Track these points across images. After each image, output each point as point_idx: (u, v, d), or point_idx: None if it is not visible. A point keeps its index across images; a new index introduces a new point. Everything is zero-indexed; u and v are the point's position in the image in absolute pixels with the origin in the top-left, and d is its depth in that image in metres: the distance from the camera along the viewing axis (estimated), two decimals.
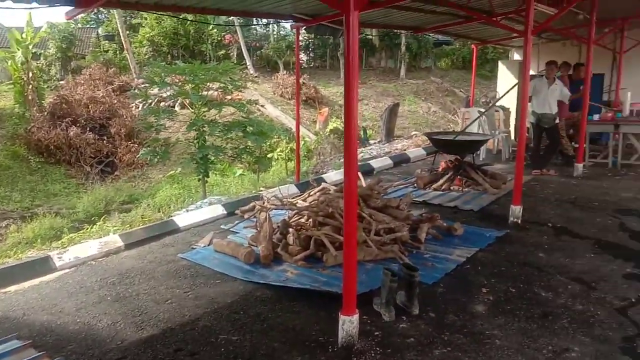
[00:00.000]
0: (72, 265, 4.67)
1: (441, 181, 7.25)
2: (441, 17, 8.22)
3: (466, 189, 7.11)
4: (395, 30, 22.34)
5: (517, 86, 9.97)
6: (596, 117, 8.82)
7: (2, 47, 19.67)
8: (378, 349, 3.09)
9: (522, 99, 6.11)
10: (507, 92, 9.34)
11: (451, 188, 7.16)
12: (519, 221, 5.58)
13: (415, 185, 7.37)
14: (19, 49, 16.36)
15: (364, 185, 5.91)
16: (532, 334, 3.22)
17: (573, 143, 8.83)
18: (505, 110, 10.54)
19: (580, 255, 4.59)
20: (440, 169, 7.76)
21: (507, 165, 8.80)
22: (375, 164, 9.30)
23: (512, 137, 10.39)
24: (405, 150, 10.89)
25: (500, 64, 12.52)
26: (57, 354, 3.11)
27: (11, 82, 17.47)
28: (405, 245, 4.76)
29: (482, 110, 9.67)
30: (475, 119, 9.20)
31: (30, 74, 16.51)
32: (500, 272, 4.26)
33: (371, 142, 13.19)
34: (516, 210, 5.60)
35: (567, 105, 8.52)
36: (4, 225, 10.32)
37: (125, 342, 3.25)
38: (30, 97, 16.31)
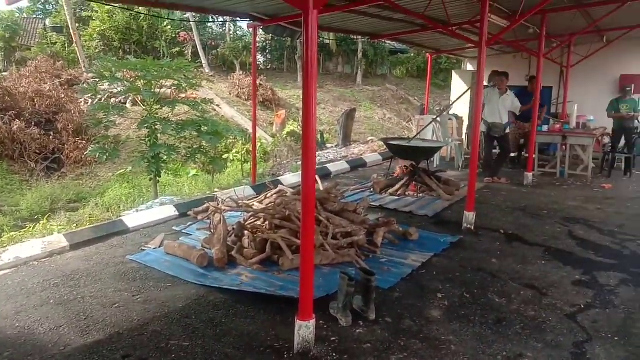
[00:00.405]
0: (12, 265, 4.39)
1: (397, 186, 7.33)
2: (398, 24, 8.35)
3: (421, 195, 7.22)
4: (352, 36, 22.61)
5: (469, 94, 10.27)
6: (545, 128, 9.20)
7: None
8: (334, 354, 3.05)
9: (475, 108, 6.28)
10: (459, 97, 9.61)
11: (407, 193, 7.25)
12: (472, 227, 5.71)
13: (372, 189, 7.43)
14: None
15: (321, 188, 5.89)
16: (487, 339, 3.26)
17: (524, 152, 9.18)
18: (459, 119, 10.83)
19: (531, 262, 4.73)
20: (396, 174, 7.85)
21: (460, 173, 9.03)
22: (332, 167, 9.32)
23: (465, 145, 10.68)
24: (361, 155, 10.98)
25: (454, 73, 12.87)
26: None
27: None
28: (362, 249, 4.77)
29: (436, 117, 9.88)
30: (429, 124, 9.40)
31: None
32: (455, 277, 4.32)
33: (328, 146, 13.22)
34: (469, 217, 5.72)
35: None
36: None
37: (68, 348, 3.07)
38: None
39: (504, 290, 4.06)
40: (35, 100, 15.13)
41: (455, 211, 6.48)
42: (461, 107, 11.07)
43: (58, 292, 3.90)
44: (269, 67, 27.47)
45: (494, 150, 8.84)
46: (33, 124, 14.29)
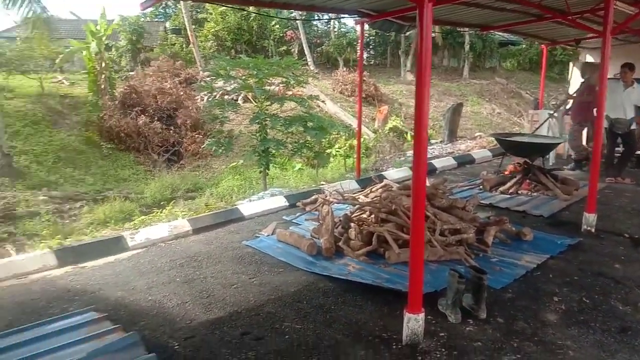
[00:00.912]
0: (144, 245, 4.90)
1: (509, 184, 7.01)
2: (510, 14, 7.90)
3: (535, 194, 6.84)
4: (459, 28, 21.81)
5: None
6: None
7: (79, 38, 20.81)
8: (443, 350, 3.03)
9: (597, 103, 5.79)
10: (577, 90, 8.88)
11: (519, 192, 6.91)
12: (593, 230, 5.31)
13: (481, 187, 7.17)
14: (93, 40, 17.28)
15: (428, 184, 5.81)
16: (609, 348, 3.05)
17: None
18: None
19: None
20: (507, 172, 7.50)
21: (578, 172, 8.39)
22: (437, 163, 9.13)
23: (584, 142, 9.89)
24: (469, 151, 10.62)
25: (571, 65, 11.94)
26: (131, 327, 3.26)
27: (86, 71, 18.50)
28: (471, 247, 4.64)
29: (552, 113, 9.27)
30: (545, 120, 8.82)
31: (103, 64, 17.38)
32: (573, 281, 4.06)
33: (432, 141, 12.94)
34: (590, 218, 5.33)
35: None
36: (77, 206, 10.94)
37: (194, 322, 3.36)
38: (102, 86, 17.19)
39: (629, 298, 3.74)
40: (158, 97, 16.54)
41: (574, 212, 6.05)
42: None
43: (183, 271, 4.27)
44: (372, 62, 27.45)
45: (617, 148, 8.10)
46: (156, 119, 15.66)
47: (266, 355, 2.96)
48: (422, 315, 3.07)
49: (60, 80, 19.63)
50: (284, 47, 24.66)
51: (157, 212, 6.36)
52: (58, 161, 13.29)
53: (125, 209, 9.35)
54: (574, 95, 8.78)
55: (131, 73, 20.85)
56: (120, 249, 4.78)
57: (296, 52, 24.58)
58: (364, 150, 12.73)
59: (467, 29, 20.40)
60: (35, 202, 10.56)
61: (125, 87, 17.15)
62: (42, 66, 18.67)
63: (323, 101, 18.16)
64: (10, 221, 9.55)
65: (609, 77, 7.12)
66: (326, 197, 5.68)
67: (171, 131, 15.46)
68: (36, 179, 12.06)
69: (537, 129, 8.55)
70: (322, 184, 7.62)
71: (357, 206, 5.29)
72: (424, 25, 2.83)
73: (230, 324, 3.33)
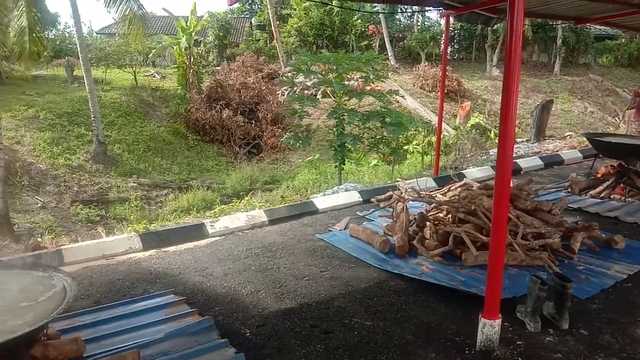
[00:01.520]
0: (222, 233, 5.10)
1: (600, 188, 6.51)
2: (609, 6, 7.28)
3: (630, 199, 6.30)
4: (551, 21, 20.57)
5: None
6: None
7: (170, 34, 22.06)
8: (520, 359, 2.89)
9: None
10: None
11: (611, 197, 6.40)
12: None
13: (569, 190, 6.72)
14: (183, 36, 18.22)
15: (512, 184, 5.54)
16: None
17: None
18: None
19: None
20: (599, 175, 6.98)
21: None
22: (523, 163, 8.67)
23: None
24: (557, 151, 9.99)
25: None
26: (206, 312, 3.40)
27: (175, 66, 19.57)
28: (555, 253, 4.37)
29: None
30: None
31: (192, 59, 18.29)
32: None
33: (517, 140, 12.30)
34: None
35: None
36: (163, 193, 11.65)
37: (265, 311, 3.45)
38: (190, 80, 18.11)
39: None
40: (241, 91, 17.16)
41: None
42: None
43: (258, 260, 4.40)
44: (455, 57, 26.65)
45: None
46: (239, 112, 16.27)
47: (335, 350, 2.97)
48: (498, 322, 2.94)
49: (152, 74, 20.93)
50: (365, 42, 24.58)
51: (236, 202, 6.60)
52: (147, 150, 14.20)
53: (208, 198, 9.83)
54: None
55: (217, 68, 21.77)
56: (200, 236, 5.01)
57: (377, 46, 24.42)
58: (443, 148, 12.39)
59: (560, 22, 19.20)
60: (125, 189, 11.38)
61: (212, 82, 17.96)
62: (137, 60, 20.02)
63: (402, 96, 17.94)
64: (102, 205, 10.38)
65: None
66: (401, 194, 5.59)
67: (252, 124, 15.99)
68: (127, 167, 12.96)
69: None
70: (398, 181, 7.51)
71: (433, 205, 5.16)
72: (514, 17, 2.68)
73: (300, 315, 3.38)
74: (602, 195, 6.44)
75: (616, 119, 17.81)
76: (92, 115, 13.23)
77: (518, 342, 3.06)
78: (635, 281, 3.96)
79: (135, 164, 13.34)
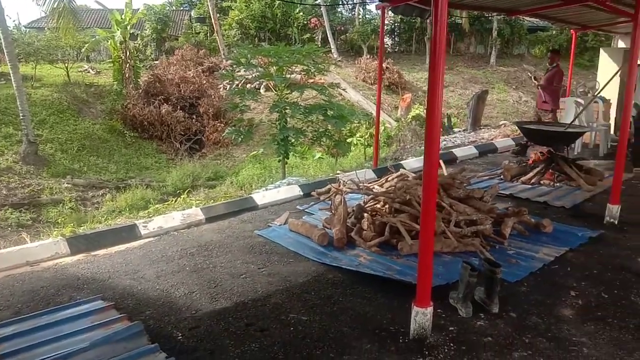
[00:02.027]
0: (156, 234, 4.92)
1: (530, 174, 6.80)
2: None
3: (558, 184, 6.62)
4: (487, 14, 21.28)
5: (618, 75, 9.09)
6: None
7: (105, 27, 21.15)
8: (452, 344, 2.94)
9: (626, 90, 5.53)
10: (609, 81, 8.52)
11: (541, 182, 6.70)
12: (616, 222, 5.10)
13: (501, 177, 6.98)
14: (118, 30, 17.48)
15: (445, 173, 5.68)
16: (627, 346, 2.91)
17: None
18: (606, 102, 9.68)
19: None
20: (530, 161, 7.29)
21: (605, 162, 8.09)
22: (459, 152, 8.93)
23: (612, 131, 9.54)
24: (492, 139, 10.36)
25: (602, 51, 11.50)
26: (136, 317, 3.26)
27: (111, 60, 18.77)
28: (487, 239, 4.51)
29: (580, 100, 8.94)
30: (579, 113, 8.48)
31: (128, 53, 17.59)
32: (592, 275, 3.90)
33: (455, 130, 12.69)
34: (613, 210, 5.12)
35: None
36: (100, 193, 11.18)
37: (199, 312, 3.35)
38: (127, 75, 17.43)
39: None
40: (181, 86, 16.70)
41: (598, 203, 5.83)
42: (609, 89, 9.86)
43: (193, 260, 4.27)
44: (396, 49, 27.08)
45: None
46: (179, 107, 15.83)
47: (270, 347, 2.92)
48: (430, 309, 2.98)
49: (86, 70, 19.99)
50: (308, 35, 24.52)
51: (172, 201, 6.40)
52: (82, 149, 13.57)
53: (147, 197, 9.50)
54: (541, 82, 8.64)
55: (155, 62, 21.09)
56: (132, 237, 4.80)
57: (319, 39, 24.43)
58: (385, 139, 12.59)
59: (494, 14, 19.90)
60: (59, 190, 10.82)
61: (150, 76, 17.38)
62: (69, 56, 19.05)
63: (344, 89, 18.06)
64: (34, 208, 9.82)
65: None
66: (339, 186, 5.60)
67: (193, 120, 15.61)
68: (60, 167, 12.33)
69: (576, 116, 8.24)
70: (338, 173, 7.54)
71: (371, 196, 5.20)
72: (439, 9, 2.71)
73: (235, 315, 3.30)
74: (532, 181, 6.73)
75: None
76: (20, 114, 12.47)
77: (450, 328, 3.12)
78: (561, 263, 4.15)
79: (69, 164, 12.71)
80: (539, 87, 8.59)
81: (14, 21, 31.85)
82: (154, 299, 3.55)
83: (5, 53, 12.87)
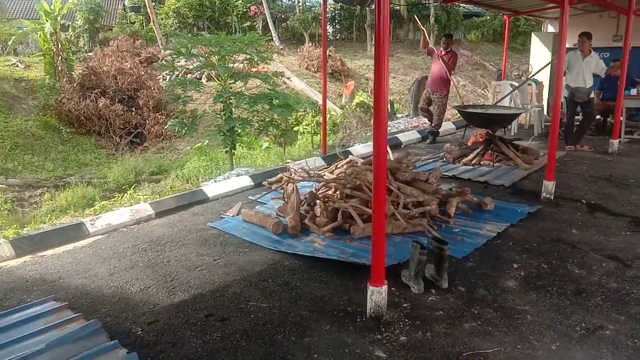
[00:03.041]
0: (105, 231, 4.79)
1: (471, 156, 7.12)
2: None
3: (497, 164, 6.98)
4: (424, 1, 21.81)
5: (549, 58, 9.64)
6: (633, 91, 8.47)
7: (32, 19, 19.92)
8: (407, 320, 3.09)
9: (556, 72, 5.90)
10: (541, 69, 9.03)
11: (481, 163, 7.04)
12: (552, 197, 5.47)
13: (444, 159, 7.27)
14: (47, 21, 16.51)
15: (392, 158, 5.85)
16: (565, 310, 3.17)
17: (609, 119, 8.59)
18: (538, 84, 10.24)
19: (615, 233, 4.48)
20: (470, 144, 7.62)
21: (540, 141, 8.60)
22: (403, 137, 9.20)
23: (545, 111, 10.12)
24: None
25: (533, 36, 12.11)
26: (92, 315, 3.20)
27: (41, 53, 17.73)
28: (434, 219, 4.72)
29: (515, 83, 9.41)
30: (510, 92, 8.94)
31: (59, 46, 16.67)
32: (532, 247, 4.19)
33: (398, 115, 12.99)
34: (549, 186, 5.48)
35: None
36: (38, 193, 10.63)
37: (157, 307, 3.33)
38: (59, 69, 16.52)
39: (585, 262, 3.89)
40: (118, 78, 16.04)
41: (534, 180, 6.22)
42: (542, 72, 10.44)
43: (146, 255, 4.21)
44: (337, 37, 27.19)
45: (576, 117, 8.32)
46: (117, 100, 15.21)
47: (231, 336, 2.96)
48: (384, 288, 3.11)
49: (14, 63, 18.78)
50: (248, 23, 24.13)
51: (119, 197, 6.22)
52: (15, 148, 12.82)
53: (88, 195, 9.15)
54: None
55: (89, 54, 20.09)
56: (80, 236, 4.66)
57: (260, 27, 24.09)
58: (331, 127, 12.69)
59: (431, 1, 20.42)
60: None
61: (84, 69, 16.57)
62: None
63: (288, 78, 18.00)
64: None
65: (568, 47, 7.28)
66: (291, 175, 5.65)
67: (133, 113, 15.06)
68: None
69: (500, 100, 8.67)
70: (288, 162, 7.58)
71: (322, 183, 5.29)
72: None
73: (194, 307, 3.31)
74: (473, 162, 7.06)
75: (485, 90, 19.48)
76: None
77: (404, 305, 3.28)
78: (503, 238, 4.42)
79: (1, 164, 11.98)
80: (447, 72, 8.63)
81: None
82: (109, 296, 3.49)
83: None
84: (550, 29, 12.77)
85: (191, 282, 3.67)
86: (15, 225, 4.95)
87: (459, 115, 9.37)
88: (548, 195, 5.48)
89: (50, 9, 16.69)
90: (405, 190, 4.80)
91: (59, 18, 16.84)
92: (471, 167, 6.94)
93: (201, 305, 3.33)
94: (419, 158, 7.30)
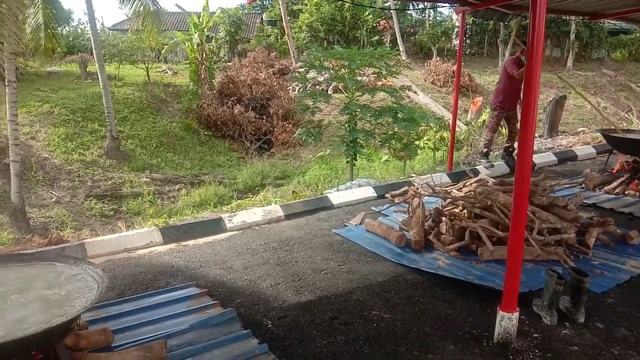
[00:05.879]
0: (240, 228, 5.19)
1: (615, 184, 6.51)
2: (627, 1, 7.24)
3: None
4: (566, 17, 20.39)
5: None
6: None
7: (182, 30, 22.15)
8: (537, 351, 2.93)
9: None
10: None
11: (626, 192, 6.40)
12: None
13: (583, 185, 6.73)
14: (195, 32, 18.28)
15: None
16: None
17: None
18: None
19: None
20: (614, 171, 6.97)
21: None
22: (536, 159, 8.66)
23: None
24: (571, 146, 9.96)
25: None
26: (228, 304, 3.48)
27: (187, 62, 19.65)
28: (570, 248, 4.40)
29: None
30: None
31: (204, 55, 18.34)
32: None
33: None
34: None
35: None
36: (176, 188, 11.76)
37: (286, 303, 3.52)
38: (202, 76, 18.17)
39: None
40: (253, 87, 17.21)
41: None
42: None
43: (276, 254, 4.47)
44: (467, 52, 26.46)
45: None
46: (250, 108, 16.32)
47: (355, 341, 3.04)
48: (516, 314, 2.99)
49: (164, 70, 21.03)
50: (376, 37, 24.47)
51: (252, 197, 6.67)
52: (160, 146, 14.30)
53: (219, 193, 9.91)
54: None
55: (229, 63, 21.81)
56: (218, 230, 5.09)
57: (388, 41, 24.30)
58: (455, 143, 12.35)
59: (574, 17, 19.03)
60: (138, 183, 11.50)
61: (223, 77, 18.02)
62: (149, 57, 20.12)
63: (415, 92, 17.89)
64: (116, 200, 10.50)
65: None
66: (417, 189, 5.63)
67: (264, 120, 16.04)
68: (140, 162, 13.08)
69: None
70: (412, 176, 7.55)
71: (449, 200, 5.20)
72: (537, 14, 2.71)
73: (320, 308, 3.44)
74: (616, 191, 6.44)
75: (629, 114, 17.66)
76: (105, 111, 13.34)
77: (535, 335, 3.11)
78: None
79: (147, 159, 13.45)
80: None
81: (100, 23, 33.98)
82: (242, 288, 3.77)
83: (95, 54, 13.80)
84: None
85: (317, 284, 3.83)
86: (164, 215, 5.55)
87: (601, 139, 8.61)
88: None
89: (199, 21, 18.44)
90: (541, 215, 4.53)
91: (205, 30, 18.54)
92: (614, 196, 6.34)
93: (326, 308, 3.45)
94: (557, 182, 6.83)
